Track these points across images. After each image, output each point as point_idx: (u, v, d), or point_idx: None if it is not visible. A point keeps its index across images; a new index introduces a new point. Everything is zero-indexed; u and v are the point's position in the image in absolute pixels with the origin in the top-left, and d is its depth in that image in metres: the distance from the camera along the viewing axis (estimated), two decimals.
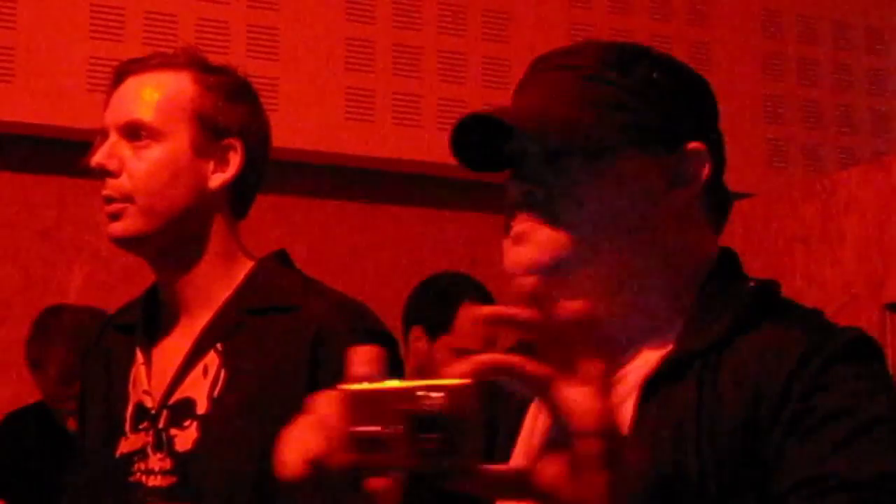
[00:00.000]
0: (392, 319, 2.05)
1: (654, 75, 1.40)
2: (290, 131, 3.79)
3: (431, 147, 4.11)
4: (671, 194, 1.39)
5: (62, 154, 3.78)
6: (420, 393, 1.05)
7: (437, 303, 3.44)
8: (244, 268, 1.98)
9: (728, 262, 1.43)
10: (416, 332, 3.41)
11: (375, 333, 1.91)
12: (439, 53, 4.34)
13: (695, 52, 4.61)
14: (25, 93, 3.82)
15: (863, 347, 1.33)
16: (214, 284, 1.96)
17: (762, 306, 1.36)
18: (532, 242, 1.38)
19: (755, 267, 1.53)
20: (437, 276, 3.55)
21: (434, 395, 1.04)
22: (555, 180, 1.39)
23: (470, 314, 3.39)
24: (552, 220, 1.38)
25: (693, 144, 1.40)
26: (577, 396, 1.06)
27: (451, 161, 1.44)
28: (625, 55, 1.42)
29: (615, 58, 1.41)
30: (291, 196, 4.10)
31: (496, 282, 2.31)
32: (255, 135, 2.00)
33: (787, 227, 3.79)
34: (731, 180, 1.46)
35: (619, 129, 1.38)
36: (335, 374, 1.19)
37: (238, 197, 2.00)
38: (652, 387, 1.33)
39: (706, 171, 1.40)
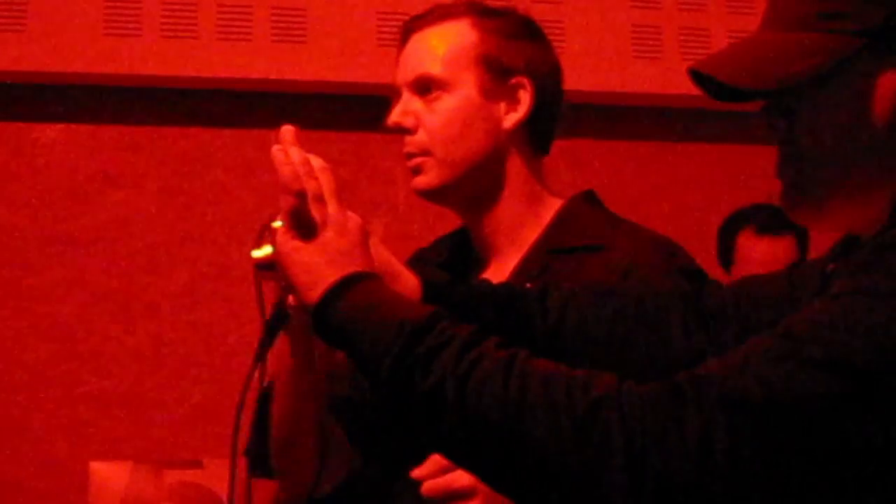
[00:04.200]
0: (695, 257, 2.01)
1: None
2: (577, 72, 3.76)
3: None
4: None
5: (356, 110, 3.86)
6: None
7: (723, 235, 3.47)
8: (552, 207, 2.00)
9: None
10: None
11: (687, 271, 1.89)
12: None
13: None
14: (317, 52, 3.90)
15: None
16: (521, 225, 1.98)
17: None
18: (783, 175, 1.35)
19: None
20: (744, 209, 3.55)
21: None
22: (790, 109, 1.33)
23: (749, 243, 3.39)
24: (794, 152, 1.34)
25: None
26: None
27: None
28: None
29: None
30: (582, 138, 4.07)
31: None
32: (544, 70, 2.01)
33: None
34: None
35: (840, 42, 1.28)
36: None
37: (535, 134, 2.01)
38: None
39: None
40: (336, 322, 1.40)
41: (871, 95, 1.29)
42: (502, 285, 1.67)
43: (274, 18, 3.88)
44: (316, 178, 1.50)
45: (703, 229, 3.78)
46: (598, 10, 4.11)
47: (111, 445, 3.81)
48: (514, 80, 1.99)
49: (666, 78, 4.09)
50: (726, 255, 3.53)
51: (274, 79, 3.89)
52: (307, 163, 1.50)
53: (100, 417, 3.82)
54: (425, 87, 1.99)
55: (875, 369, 1.16)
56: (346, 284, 1.41)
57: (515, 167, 2.00)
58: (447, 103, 1.97)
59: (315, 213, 1.48)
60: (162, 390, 3.88)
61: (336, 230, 1.48)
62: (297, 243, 1.47)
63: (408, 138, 1.99)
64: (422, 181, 1.99)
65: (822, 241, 2.64)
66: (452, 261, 2.06)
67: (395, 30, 2.12)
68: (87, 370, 3.84)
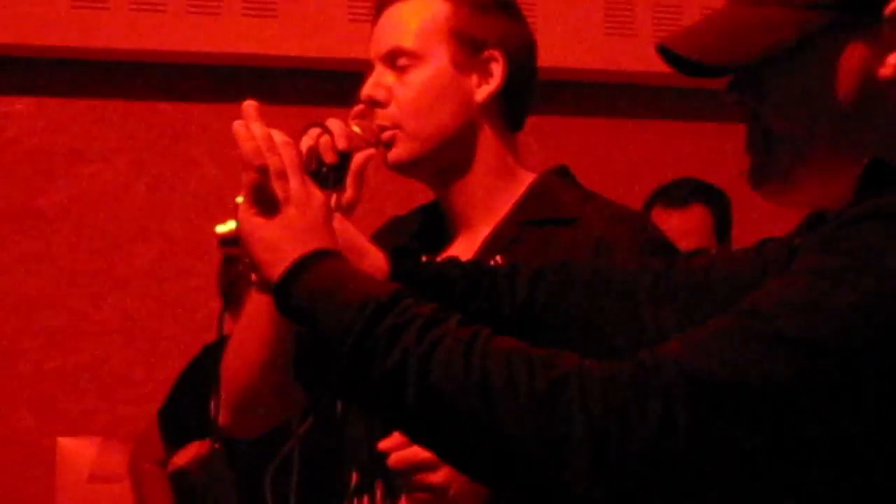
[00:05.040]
0: None
1: None
2: (549, 49, 3.75)
3: None
4: (884, 70, 1.27)
5: (328, 85, 3.84)
6: None
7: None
8: (525, 182, 2.01)
9: None
10: None
11: (657, 244, 1.89)
12: None
13: None
14: (288, 27, 3.88)
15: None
16: (493, 197, 1.99)
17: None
18: (751, 152, 1.34)
19: None
20: (662, 186, 3.54)
21: None
22: (757, 85, 1.32)
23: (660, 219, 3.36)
24: (761, 128, 1.32)
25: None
26: None
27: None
28: None
29: None
30: (554, 115, 4.07)
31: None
32: (516, 44, 2.01)
33: None
34: None
35: (806, 16, 1.27)
36: None
37: (508, 109, 2.02)
38: None
39: None
40: (297, 300, 1.38)
41: (836, 70, 1.28)
42: (470, 263, 1.66)
43: None
44: (278, 154, 1.48)
45: None
46: None
47: (78, 421, 3.79)
48: (486, 53, 1.98)
49: (638, 54, 4.08)
50: None
51: (244, 53, 3.87)
52: (269, 138, 1.48)
53: (67, 393, 3.81)
54: (397, 60, 1.99)
55: (836, 348, 1.15)
56: (307, 262, 1.39)
57: (487, 141, 1.99)
58: (418, 76, 1.97)
59: (277, 189, 1.46)
60: (130, 366, 3.86)
61: (298, 206, 1.46)
62: (259, 220, 1.46)
63: (380, 111, 1.99)
64: (393, 154, 1.98)
65: (751, 210, 2.62)
66: (426, 231, 2.06)
67: (366, 5, 2.11)
68: (55, 345, 3.82)
